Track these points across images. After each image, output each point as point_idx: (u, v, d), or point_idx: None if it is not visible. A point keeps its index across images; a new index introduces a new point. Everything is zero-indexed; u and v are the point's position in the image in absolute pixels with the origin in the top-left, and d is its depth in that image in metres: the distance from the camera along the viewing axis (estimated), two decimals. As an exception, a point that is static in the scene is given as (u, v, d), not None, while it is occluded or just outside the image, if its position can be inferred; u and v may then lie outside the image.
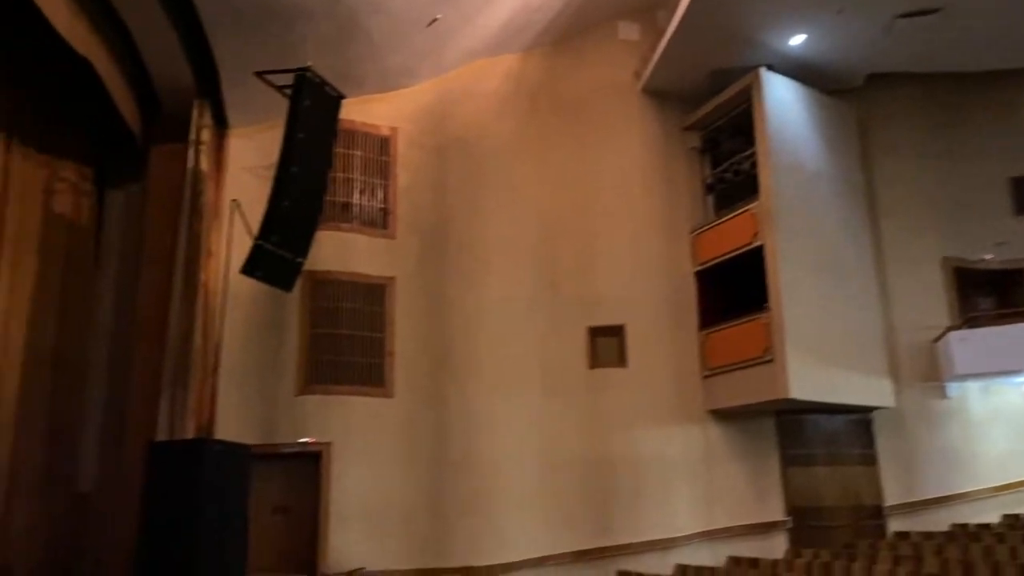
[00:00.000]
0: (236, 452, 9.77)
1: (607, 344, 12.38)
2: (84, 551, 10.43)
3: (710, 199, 13.40)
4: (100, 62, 9.54)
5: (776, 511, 12.17)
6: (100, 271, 11.40)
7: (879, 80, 13.45)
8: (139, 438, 10.04)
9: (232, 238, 10.63)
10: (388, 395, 11.51)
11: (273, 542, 10.70)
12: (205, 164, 10.96)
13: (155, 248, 10.91)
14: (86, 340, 11.02)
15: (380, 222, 12.14)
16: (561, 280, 12.57)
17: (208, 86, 11.01)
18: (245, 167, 11.47)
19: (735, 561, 11.26)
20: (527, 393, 11.92)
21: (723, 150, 13.29)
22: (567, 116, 13.19)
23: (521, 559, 11.15)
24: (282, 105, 9.93)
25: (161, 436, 9.85)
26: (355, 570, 10.42)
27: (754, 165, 12.36)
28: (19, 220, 10.08)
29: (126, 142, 11.24)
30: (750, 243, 12.02)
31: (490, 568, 10.97)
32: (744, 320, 11.96)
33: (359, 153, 12.19)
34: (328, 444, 10.97)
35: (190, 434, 10.03)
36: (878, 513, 12.40)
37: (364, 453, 11.10)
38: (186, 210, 10.68)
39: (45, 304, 10.39)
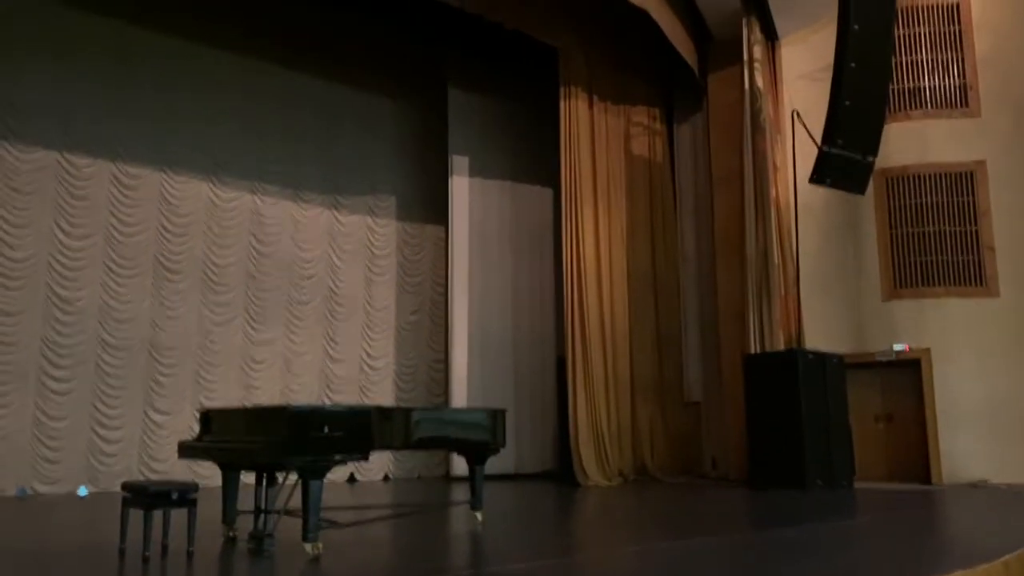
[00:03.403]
0: (828, 361, 9.81)
1: None
2: (702, 452, 11.67)
3: None
4: (654, 8, 10.27)
5: None
6: (679, 199, 12.43)
7: None
8: (733, 351, 10.77)
9: (796, 149, 10.53)
10: (992, 294, 10.24)
11: (880, 450, 10.49)
12: (760, 80, 11.03)
13: (723, 170, 11.46)
14: (676, 263, 12.17)
15: (959, 101, 10.73)
16: None
17: (754, 2, 11.00)
18: (800, 75, 11.23)
19: None
20: None
21: None
22: None
23: None
24: (831, 1, 9.41)
25: (753, 348, 10.37)
26: (977, 482, 9.61)
27: None
28: (607, 165, 11.55)
29: (686, 78, 11.99)
30: None
31: None
32: None
33: (924, 29, 10.90)
34: (926, 350, 10.25)
35: (780, 345, 10.35)
36: None
37: (971, 358, 10.10)
38: (748, 128, 10.92)
39: (638, 234, 11.79)
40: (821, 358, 9.76)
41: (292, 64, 11.36)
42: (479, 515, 6.12)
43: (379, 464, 11.43)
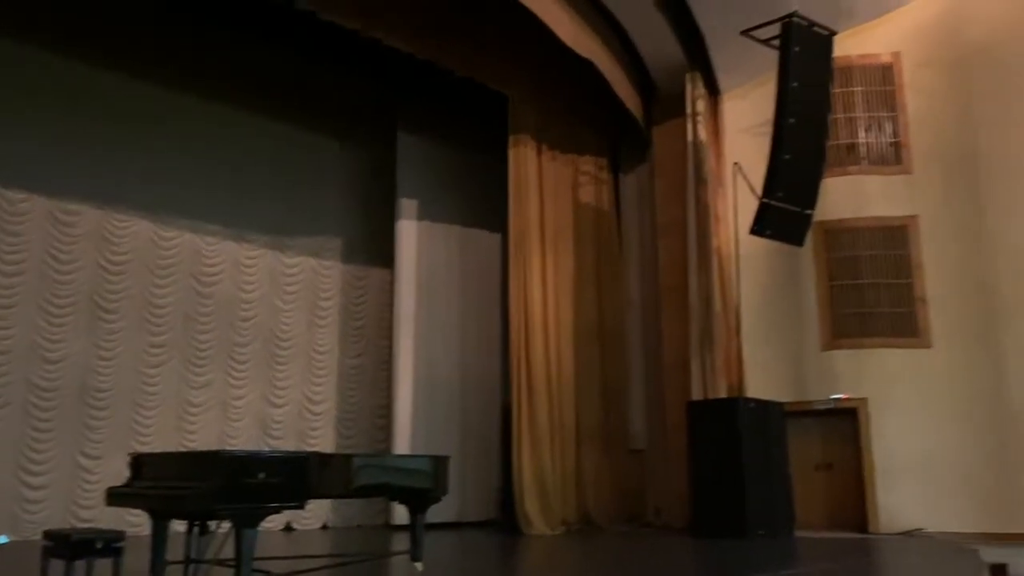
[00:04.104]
0: (769, 409, 9.94)
1: None
2: (646, 500, 11.65)
3: None
4: (601, 61, 10.54)
5: None
6: (625, 247, 12.60)
7: None
8: (677, 399, 10.85)
9: (737, 201, 10.78)
10: (925, 345, 10.53)
11: (819, 498, 10.61)
12: (703, 133, 11.33)
13: (667, 220, 11.68)
14: (621, 311, 12.28)
15: (892, 158, 11.15)
16: None
17: (698, 57, 11.38)
18: (741, 129, 11.56)
19: None
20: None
21: None
22: None
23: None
24: (771, 58, 9.76)
25: (696, 396, 10.46)
26: (912, 531, 9.77)
27: None
28: (555, 212, 11.68)
29: (632, 129, 12.25)
30: None
31: (1083, 537, 9.33)
32: None
33: (859, 88, 11.35)
34: (863, 400, 10.46)
35: (722, 393, 10.48)
36: None
37: (905, 408, 10.33)
38: (691, 180, 11.18)
39: (585, 282, 11.89)
40: (762, 406, 9.89)
41: (240, 103, 11.27)
42: (419, 565, 5.97)
43: (317, 512, 11.13)
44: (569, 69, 10.97)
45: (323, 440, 11.45)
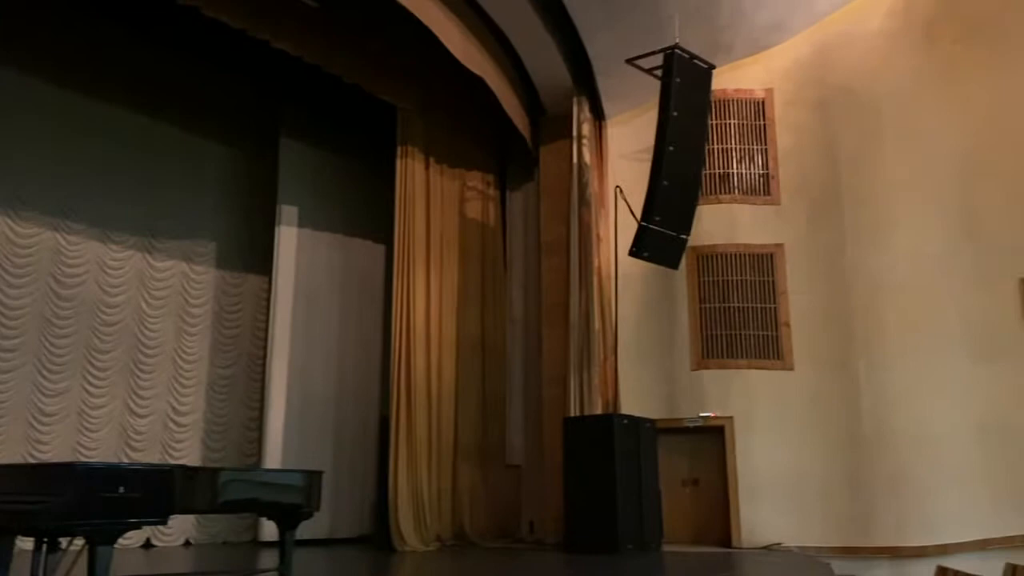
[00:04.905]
0: (642, 426, 10.22)
1: (1048, 296, 10.60)
2: (520, 515, 11.71)
3: None
4: (491, 78, 10.61)
5: None
6: (509, 264, 12.70)
7: None
8: (555, 415, 10.98)
9: (619, 223, 11.08)
10: (787, 367, 11.11)
11: (686, 513, 10.97)
12: (588, 156, 11.59)
13: (551, 238, 11.87)
14: (504, 328, 12.35)
15: (762, 189, 11.76)
16: (981, 226, 11.02)
17: (585, 82, 11.64)
18: (623, 154, 11.92)
19: None
20: (950, 358, 10.66)
21: None
22: (974, 42, 11.49)
23: (959, 541, 10.02)
24: (654, 88, 10.10)
25: (573, 413, 10.63)
26: (771, 545, 10.24)
27: None
28: (441, 226, 11.65)
29: (520, 147, 12.38)
30: None
31: (921, 549, 10.03)
32: None
33: (734, 121, 11.93)
34: (730, 418, 10.92)
35: (598, 410, 10.68)
36: None
37: (769, 427, 10.86)
38: (575, 200, 11.41)
39: (469, 297, 11.89)
40: (635, 423, 10.16)
41: (113, 97, 10.71)
42: (288, 583, 5.79)
43: (180, 528, 10.61)
44: (459, 84, 11.01)
45: (189, 453, 10.94)
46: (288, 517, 5.73)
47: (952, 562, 9.31)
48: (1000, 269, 10.85)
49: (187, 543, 10.74)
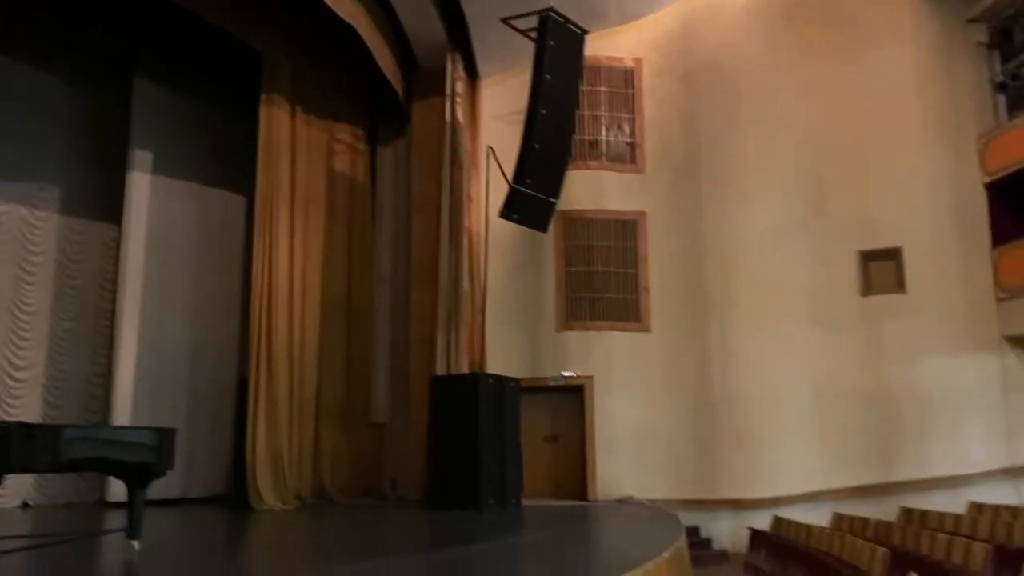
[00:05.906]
0: (506, 384, 10.38)
1: (882, 269, 11.49)
2: (383, 473, 11.71)
3: (1001, 99, 11.81)
4: (363, 28, 10.31)
5: (1094, 447, 10.75)
6: (378, 221, 12.49)
7: None
8: (422, 374, 10.99)
9: (490, 184, 11.11)
10: (646, 329, 11.56)
11: (546, 469, 11.28)
12: (461, 115, 11.50)
13: (422, 197, 11.75)
14: (371, 286, 12.18)
15: (628, 157, 12.07)
16: (827, 203, 11.79)
17: (459, 39, 11.51)
18: (497, 115, 11.89)
19: (1044, 502, 10.12)
20: (794, 325, 11.41)
21: (1017, 42, 11.60)
22: (827, 26, 12.16)
23: (793, 494, 10.83)
24: (529, 50, 10.12)
25: (440, 372, 10.67)
26: (624, 498, 10.72)
27: (1058, 54, 10.68)
28: (307, 179, 11.29)
29: (392, 102, 12.12)
30: (1054, 145, 10.47)
31: (759, 501, 10.77)
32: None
33: (604, 89, 12.13)
34: (590, 378, 11.28)
35: (465, 369, 10.76)
36: None
37: (625, 387, 11.29)
38: (447, 160, 11.32)
39: (334, 254, 11.62)
40: (500, 381, 10.31)
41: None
42: (136, 544, 5.56)
43: (17, 489, 9.94)
44: (329, 32, 10.63)
45: (27, 409, 10.22)
46: (138, 476, 5.49)
47: (786, 512, 10.11)
48: (842, 244, 11.66)
49: (25, 504, 10.10)
